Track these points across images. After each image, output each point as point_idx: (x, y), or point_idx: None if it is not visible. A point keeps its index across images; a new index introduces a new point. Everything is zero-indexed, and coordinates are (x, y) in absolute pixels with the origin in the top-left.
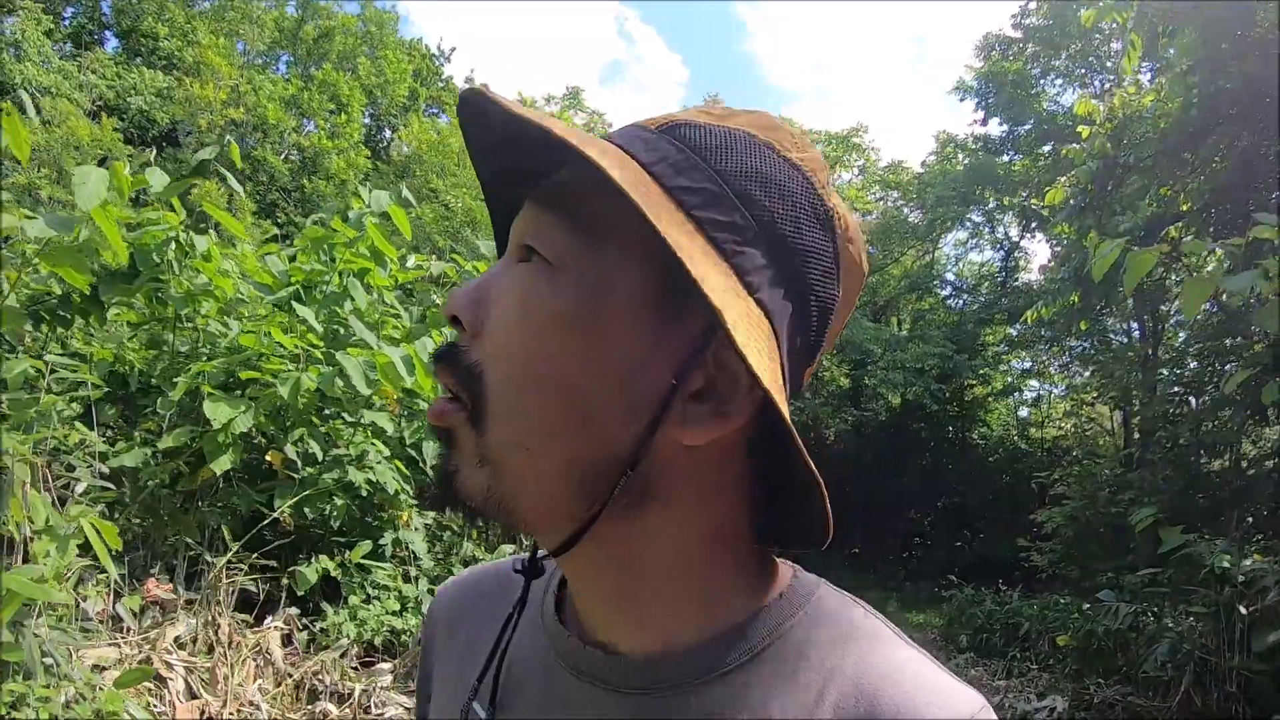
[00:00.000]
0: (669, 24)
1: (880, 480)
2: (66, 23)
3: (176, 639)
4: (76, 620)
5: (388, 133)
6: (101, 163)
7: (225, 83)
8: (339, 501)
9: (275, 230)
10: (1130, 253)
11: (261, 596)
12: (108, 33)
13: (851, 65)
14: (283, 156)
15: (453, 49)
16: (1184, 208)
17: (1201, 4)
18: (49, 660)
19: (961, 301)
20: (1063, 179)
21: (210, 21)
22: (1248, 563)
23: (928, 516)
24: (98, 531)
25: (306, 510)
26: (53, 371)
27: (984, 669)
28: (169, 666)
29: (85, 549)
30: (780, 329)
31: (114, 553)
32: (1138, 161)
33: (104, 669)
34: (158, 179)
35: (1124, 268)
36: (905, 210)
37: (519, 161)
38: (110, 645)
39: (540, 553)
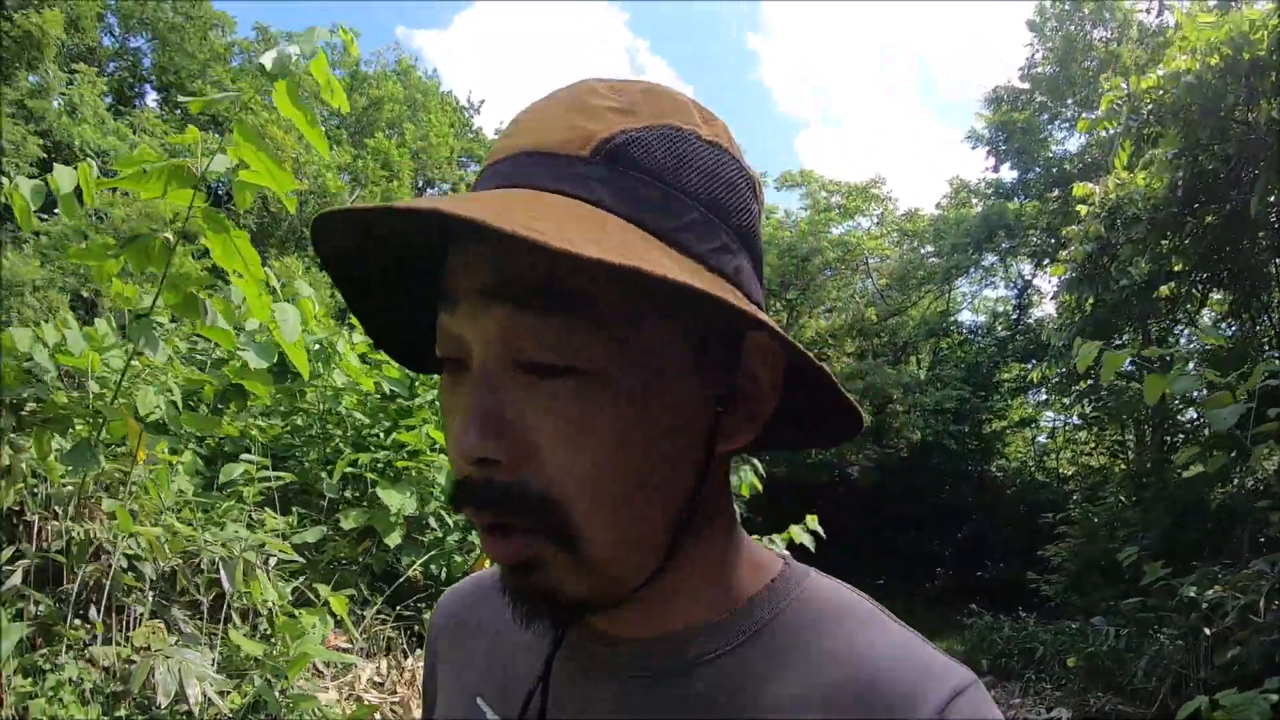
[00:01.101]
0: (680, 55)
1: (903, 513)
2: (107, 77)
3: (369, 680)
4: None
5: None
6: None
7: (287, 154)
8: (458, 559)
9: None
10: (1106, 353)
11: (403, 643)
12: (147, 86)
13: (858, 89)
14: None
15: (481, 101)
16: (1176, 268)
17: (1183, 105)
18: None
19: (977, 343)
20: (1064, 254)
21: (251, 79)
22: (1210, 592)
23: (949, 547)
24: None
25: (432, 567)
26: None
27: (1002, 690)
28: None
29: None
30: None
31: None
32: (1129, 238)
33: (329, 708)
34: (306, 290)
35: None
36: (922, 254)
37: (395, 253)
38: (322, 690)
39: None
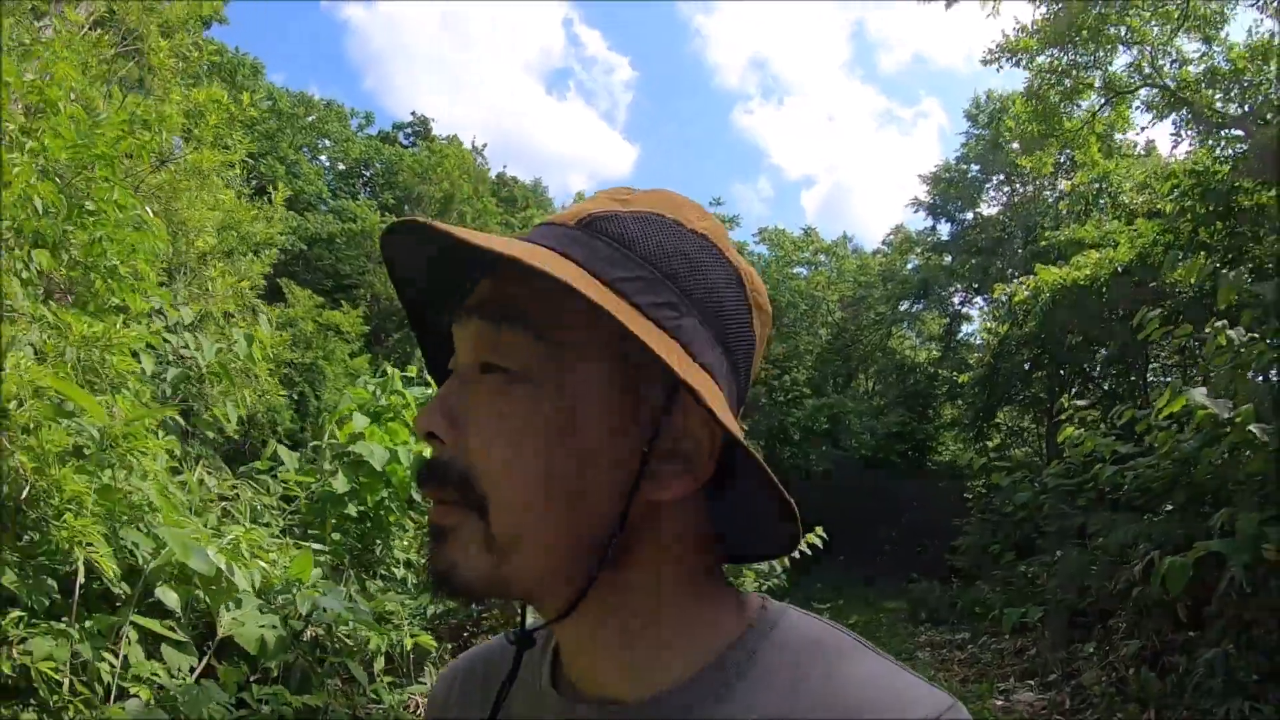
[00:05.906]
0: (613, 25)
1: (857, 502)
2: None
3: None
4: None
5: None
6: None
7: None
8: None
9: None
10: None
11: None
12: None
13: (796, 59)
14: None
15: (484, 144)
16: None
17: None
18: None
19: (915, 374)
20: (967, 375)
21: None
22: (1032, 568)
23: (894, 529)
24: None
25: None
26: None
27: (935, 633)
28: None
29: None
30: (720, 383)
31: None
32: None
33: None
34: None
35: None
36: (871, 297)
37: (447, 284)
38: None
39: (534, 621)
